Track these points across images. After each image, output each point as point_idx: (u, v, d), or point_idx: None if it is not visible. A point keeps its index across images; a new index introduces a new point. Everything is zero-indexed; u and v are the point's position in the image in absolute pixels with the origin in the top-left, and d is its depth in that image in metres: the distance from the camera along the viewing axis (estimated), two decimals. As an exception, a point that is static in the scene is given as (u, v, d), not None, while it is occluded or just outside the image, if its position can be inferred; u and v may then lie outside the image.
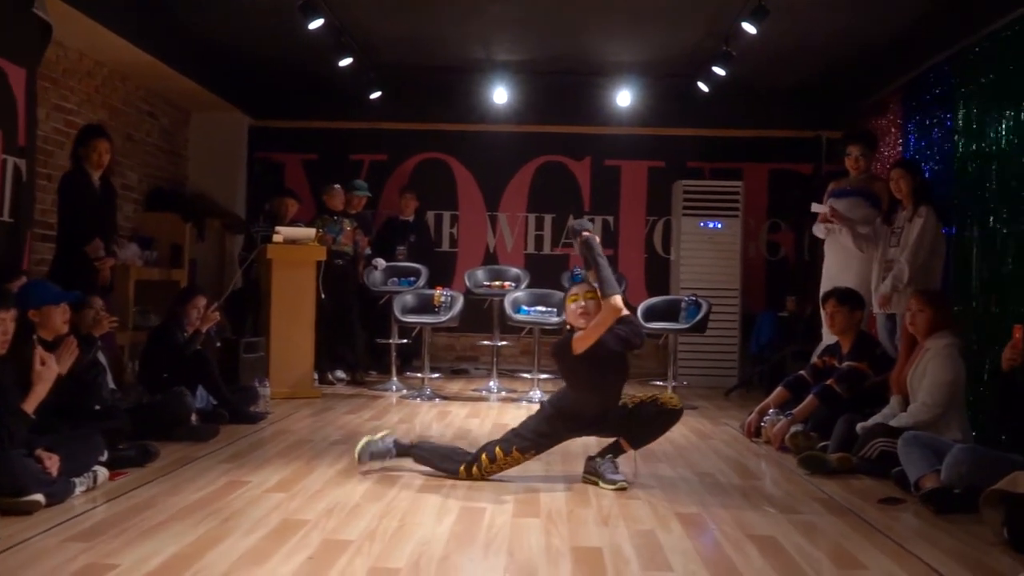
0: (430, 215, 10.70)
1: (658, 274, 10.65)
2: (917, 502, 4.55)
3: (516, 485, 4.81)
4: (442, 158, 10.85)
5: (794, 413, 6.08)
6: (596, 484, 4.83)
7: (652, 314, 8.34)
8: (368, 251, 9.53)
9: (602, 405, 4.92)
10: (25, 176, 6.04)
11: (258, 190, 10.43)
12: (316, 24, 7.76)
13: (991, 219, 6.58)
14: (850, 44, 8.53)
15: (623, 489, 4.74)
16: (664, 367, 8.92)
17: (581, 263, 5.18)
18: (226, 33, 8.82)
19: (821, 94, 9.98)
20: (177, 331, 6.69)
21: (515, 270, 9.37)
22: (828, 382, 6.04)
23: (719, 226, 10.10)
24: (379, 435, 5.12)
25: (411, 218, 10.15)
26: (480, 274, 9.20)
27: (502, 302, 8.57)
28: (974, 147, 6.90)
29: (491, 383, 8.88)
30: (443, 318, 8.36)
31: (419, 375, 8.75)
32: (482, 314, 9.19)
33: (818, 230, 7.22)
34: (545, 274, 9.73)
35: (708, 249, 10.09)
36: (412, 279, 9.01)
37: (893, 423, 5.31)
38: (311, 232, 8.32)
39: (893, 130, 8.67)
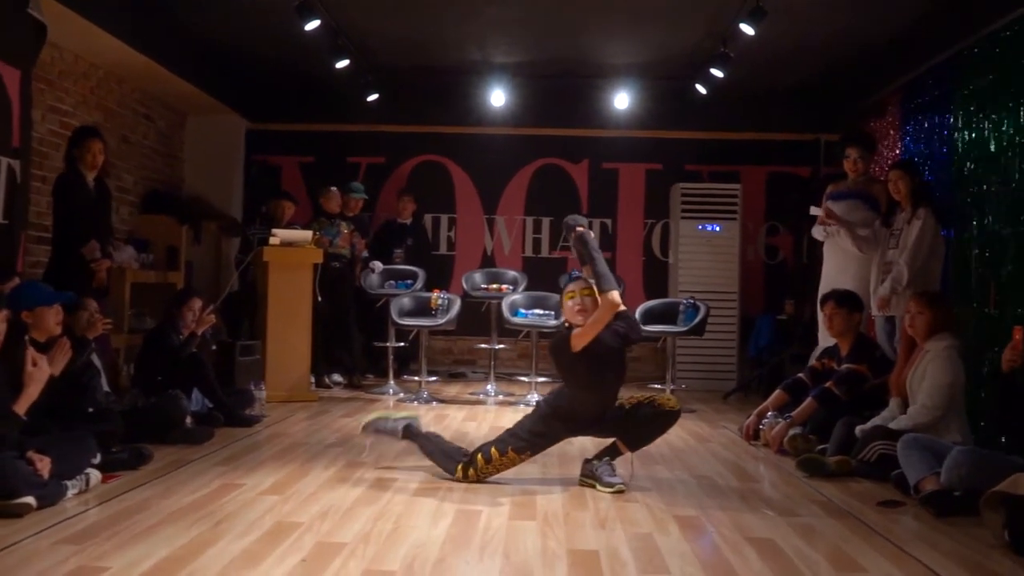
0: (428, 218, 10.67)
1: (656, 277, 10.62)
2: (917, 505, 4.52)
3: (512, 488, 4.78)
4: (440, 161, 10.83)
5: (793, 416, 6.05)
6: (593, 487, 4.80)
7: (650, 317, 8.32)
8: (365, 254, 9.51)
9: (600, 404, 4.89)
10: (20, 177, 6.01)
11: (255, 192, 10.41)
12: (312, 25, 7.73)
13: (990, 220, 6.55)
14: (848, 45, 8.51)
15: (620, 492, 4.71)
16: (662, 370, 8.89)
17: (578, 264, 5.14)
18: (222, 35, 8.80)
19: (820, 96, 9.96)
20: (172, 334, 6.66)
21: (513, 273, 9.34)
22: (827, 384, 6.02)
23: (717, 229, 10.07)
24: (397, 415, 5.17)
25: (409, 221, 10.12)
26: (478, 277, 9.17)
27: (500, 305, 8.54)
28: (973, 148, 6.88)
29: (488, 386, 8.84)
30: (440, 321, 8.33)
31: (416, 378, 8.71)
32: (480, 317, 9.16)
33: (817, 233, 7.19)
34: (543, 277, 9.70)
35: (706, 252, 10.06)
36: (409, 282, 8.97)
37: (892, 425, 5.28)
38: (307, 235, 8.29)
39: (892, 132, 8.65)
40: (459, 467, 4.89)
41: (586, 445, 5.39)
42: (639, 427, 4.91)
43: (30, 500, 3.93)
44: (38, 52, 6.41)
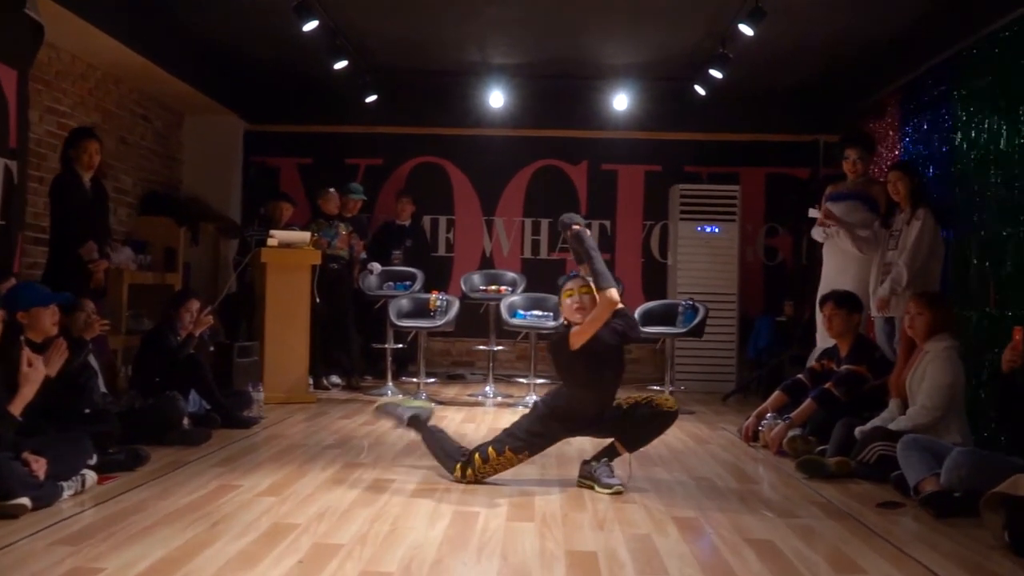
0: (426, 219, 10.66)
1: (655, 278, 10.61)
2: (916, 506, 4.50)
3: (510, 489, 4.76)
4: (438, 162, 10.82)
5: (792, 417, 6.04)
6: (592, 488, 4.78)
7: (649, 318, 8.30)
8: (363, 255, 9.49)
9: (598, 403, 4.87)
10: (16, 178, 6.00)
11: (253, 194, 10.39)
12: (311, 26, 7.71)
13: (990, 221, 6.54)
14: (847, 46, 8.50)
15: (619, 493, 4.69)
16: (661, 372, 8.88)
17: (576, 263, 5.13)
18: (220, 36, 8.79)
19: (819, 96, 9.94)
20: (170, 335, 6.64)
21: (511, 274, 9.31)
22: (826, 386, 6.00)
23: (716, 230, 10.06)
24: (411, 403, 5.29)
25: (408, 222, 10.11)
26: (476, 278, 9.15)
27: (498, 306, 8.52)
28: (972, 149, 6.87)
29: (487, 388, 8.82)
30: (439, 322, 8.32)
31: (415, 380, 8.70)
32: (478, 319, 9.14)
33: (817, 234, 7.18)
34: (542, 279, 9.65)
35: (705, 253, 10.04)
36: (407, 283, 8.96)
37: (892, 426, 5.26)
38: (305, 236, 8.27)
39: (891, 133, 8.64)
40: (457, 467, 4.87)
41: (584, 446, 5.37)
42: (637, 427, 4.89)
43: (25, 501, 3.91)
44: (35, 52, 6.39)
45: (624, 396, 4.98)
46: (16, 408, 4.13)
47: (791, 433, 5.93)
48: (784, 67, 9.25)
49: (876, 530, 4.13)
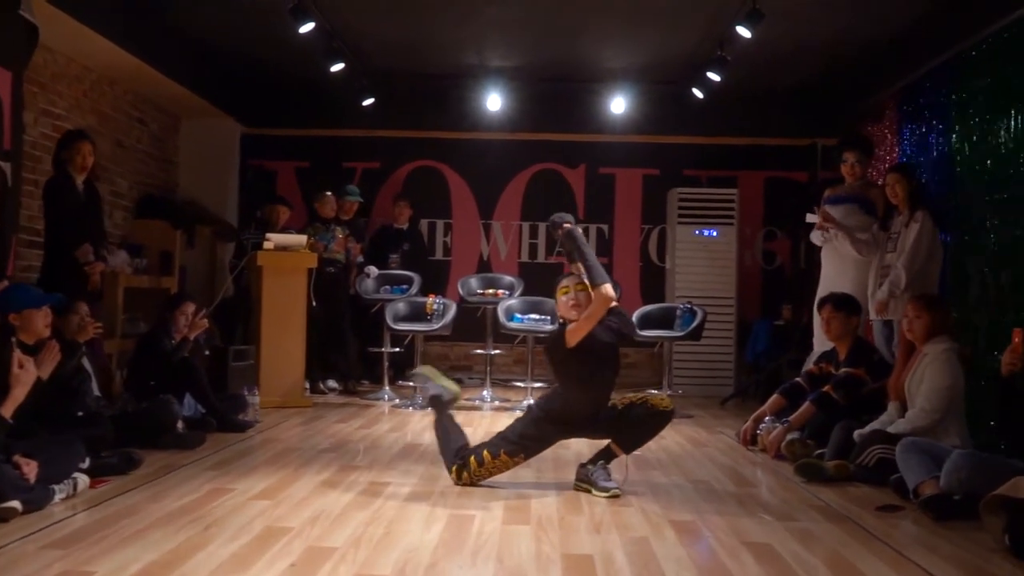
0: (424, 223, 10.63)
1: (653, 282, 10.57)
2: (916, 509, 4.47)
3: (506, 492, 4.73)
4: (435, 166, 10.79)
5: (790, 420, 6.01)
6: (588, 492, 4.74)
7: (647, 322, 8.27)
8: (360, 259, 9.47)
9: (593, 403, 4.83)
10: (10, 180, 5.96)
11: (250, 197, 10.36)
12: (307, 28, 7.69)
13: (988, 223, 6.51)
14: (845, 49, 8.49)
15: (616, 496, 4.65)
16: (659, 375, 8.84)
17: (568, 263, 5.10)
18: (217, 38, 8.77)
19: (817, 99, 9.92)
20: (165, 338, 6.62)
21: (509, 278, 9.30)
22: (825, 389, 5.97)
23: (714, 234, 10.04)
24: (441, 380, 5.30)
25: (405, 226, 10.08)
26: (473, 282, 9.13)
27: (496, 310, 8.49)
28: (971, 151, 6.84)
29: (484, 392, 8.79)
30: (436, 326, 8.29)
31: (412, 384, 8.65)
32: (476, 323, 9.10)
33: (815, 237, 7.15)
34: (539, 282, 9.58)
35: (703, 257, 10.03)
36: (404, 287, 8.93)
37: (891, 429, 5.23)
38: (302, 239, 8.24)
39: (889, 136, 8.62)
40: (453, 469, 4.85)
41: (581, 449, 5.34)
42: (633, 427, 4.85)
43: (16, 504, 3.87)
44: (30, 54, 6.35)
45: (619, 397, 4.95)
46: (7, 410, 4.09)
47: (789, 436, 5.91)
48: (782, 69, 9.23)
49: (875, 533, 4.09)
